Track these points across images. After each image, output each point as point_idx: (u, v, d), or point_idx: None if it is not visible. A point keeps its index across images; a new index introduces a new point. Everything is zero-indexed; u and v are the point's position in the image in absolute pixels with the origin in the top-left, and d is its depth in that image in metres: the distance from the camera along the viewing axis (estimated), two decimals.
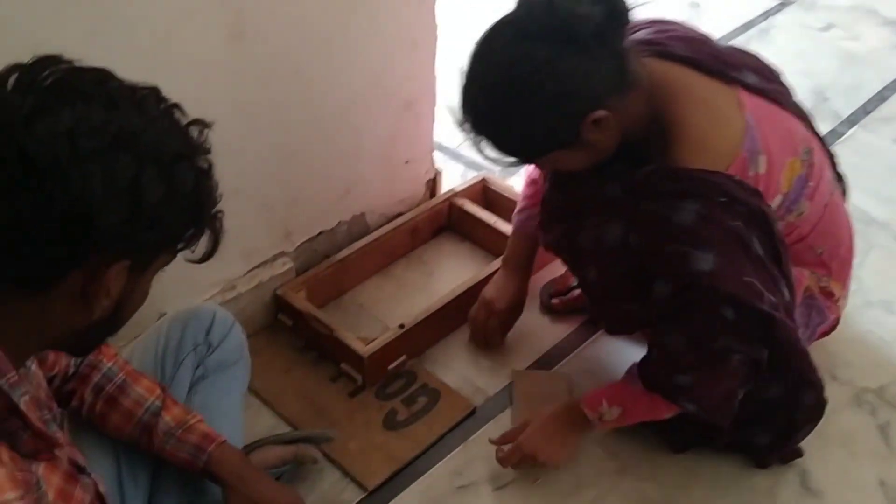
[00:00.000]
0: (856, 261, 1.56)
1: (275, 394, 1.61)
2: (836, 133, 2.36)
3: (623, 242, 1.26)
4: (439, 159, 2.04)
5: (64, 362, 1.15)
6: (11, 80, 0.76)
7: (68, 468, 0.95)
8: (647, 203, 1.22)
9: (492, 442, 1.48)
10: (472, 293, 1.72)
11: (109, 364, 1.19)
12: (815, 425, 1.45)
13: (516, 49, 1.14)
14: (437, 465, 1.51)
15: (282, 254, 1.72)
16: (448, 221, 1.98)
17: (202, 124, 0.86)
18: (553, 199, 1.45)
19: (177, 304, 1.41)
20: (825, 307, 1.49)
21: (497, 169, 2.06)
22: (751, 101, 1.28)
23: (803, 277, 1.44)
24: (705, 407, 1.31)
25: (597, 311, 1.47)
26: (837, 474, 1.51)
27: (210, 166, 0.85)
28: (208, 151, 0.85)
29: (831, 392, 1.43)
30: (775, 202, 1.29)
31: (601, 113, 1.16)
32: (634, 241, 1.24)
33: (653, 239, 1.22)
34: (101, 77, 0.80)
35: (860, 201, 1.89)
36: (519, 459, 1.44)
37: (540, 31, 1.12)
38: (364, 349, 1.58)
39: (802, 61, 2.63)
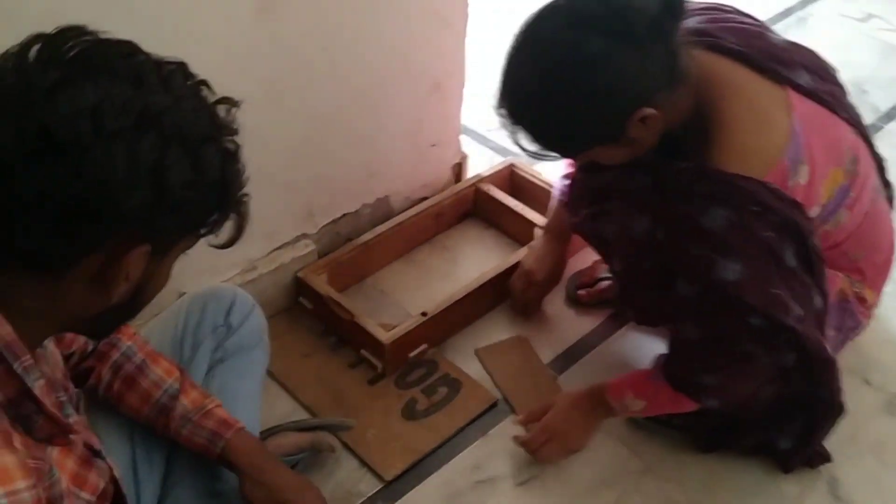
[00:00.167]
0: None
1: (293, 378, 1.58)
2: (875, 127, 2.29)
3: (650, 236, 1.22)
4: (466, 143, 2.00)
5: (82, 340, 1.13)
6: (34, 50, 0.73)
7: (83, 452, 0.93)
8: (676, 201, 1.18)
9: (517, 422, 1.46)
10: (496, 282, 1.69)
11: (129, 343, 1.17)
12: (833, 424, 1.41)
13: (567, 38, 1.08)
14: (456, 458, 1.48)
15: (304, 235, 1.70)
16: (473, 207, 1.95)
17: (230, 103, 0.82)
18: (580, 181, 1.41)
19: (196, 284, 1.39)
20: (857, 312, 1.45)
21: (521, 152, 2.02)
22: (800, 105, 1.23)
23: (837, 279, 1.40)
24: (730, 404, 1.30)
25: (625, 300, 1.43)
26: (867, 483, 1.46)
27: (237, 148, 0.82)
28: (236, 132, 0.82)
29: (863, 397, 1.39)
30: (812, 213, 1.24)
31: (649, 110, 1.11)
32: (661, 236, 1.21)
33: (679, 239, 1.18)
34: (128, 51, 0.76)
35: None
36: (541, 443, 1.41)
37: (593, 21, 1.06)
38: (385, 336, 1.56)
39: (841, 52, 2.51)
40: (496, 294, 1.72)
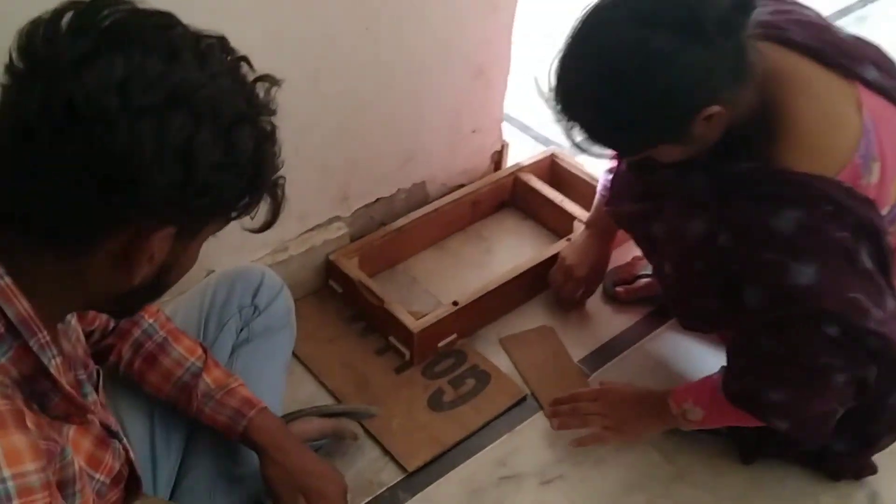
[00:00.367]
0: None
1: (318, 362, 1.57)
2: None
3: (707, 240, 1.17)
4: (507, 131, 1.95)
5: (104, 317, 1.11)
6: (66, 18, 0.69)
7: (100, 432, 0.92)
8: (740, 203, 1.13)
9: (557, 400, 1.45)
10: (531, 274, 1.66)
11: (150, 321, 1.15)
12: None
13: (632, 33, 1.02)
14: (481, 453, 1.45)
15: (337, 218, 1.68)
16: (511, 197, 1.91)
17: (271, 81, 0.78)
18: (626, 177, 1.37)
19: (225, 263, 1.38)
20: None
21: (569, 145, 1.97)
22: (870, 101, 1.17)
23: None
24: (798, 426, 1.23)
25: (672, 303, 1.38)
26: None
27: (273, 129, 0.78)
28: (273, 113, 0.78)
29: None
30: (882, 212, 1.18)
31: (715, 109, 1.05)
32: (725, 241, 1.15)
33: (747, 244, 1.12)
34: (164, 23, 0.73)
35: None
36: (596, 413, 1.40)
37: (660, 16, 1.00)
38: (414, 324, 1.53)
39: None
40: (530, 286, 1.68)
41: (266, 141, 0.77)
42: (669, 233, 1.26)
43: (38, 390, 0.79)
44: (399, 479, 1.40)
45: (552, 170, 1.93)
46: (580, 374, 1.58)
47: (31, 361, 0.77)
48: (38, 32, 0.69)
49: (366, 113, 1.57)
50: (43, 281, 0.75)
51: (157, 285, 0.82)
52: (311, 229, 1.64)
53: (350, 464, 1.40)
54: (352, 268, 1.63)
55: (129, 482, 1.00)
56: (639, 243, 1.42)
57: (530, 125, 2.15)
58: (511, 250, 1.81)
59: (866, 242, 1.11)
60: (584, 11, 1.07)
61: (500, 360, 1.59)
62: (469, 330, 1.62)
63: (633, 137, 1.12)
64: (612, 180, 1.47)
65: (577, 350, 1.62)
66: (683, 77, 1.02)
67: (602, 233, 1.61)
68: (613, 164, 1.52)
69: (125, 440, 0.98)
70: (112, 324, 1.12)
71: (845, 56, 1.17)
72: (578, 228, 1.70)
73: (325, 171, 1.58)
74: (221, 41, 0.76)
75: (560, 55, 1.09)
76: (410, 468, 1.41)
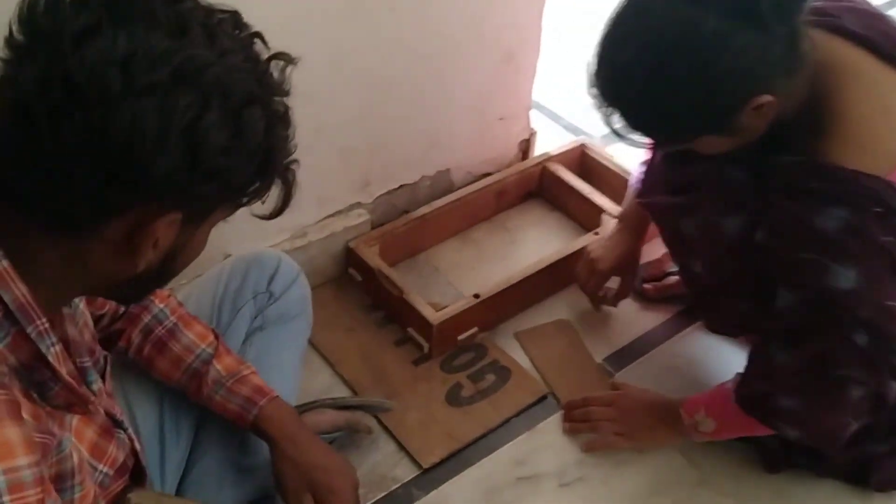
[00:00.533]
0: None
1: (335, 352, 1.53)
2: None
3: (743, 237, 1.12)
4: (536, 119, 1.90)
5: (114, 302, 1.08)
6: None
7: (105, 421, 0.90)
8: (782, 199, 1.07)
9: (570, 403, 1.43)
10: (556, 268, 1.61)
11: (161, 305, 1.12)
12: None
13: (682, 13, 0.97)
14: (499, 451, 1.41)
15: (358, 204, 1.65)
16: (538, 187, 1.86)
17: (286, 59, 0.74)
18: (660, 168, 1.32)
19: (243, 247, 1.35)
20: None
21: (599, 135, 1.92)
22: None
23: None
24: (809, 436, 1.19)
25: (699, 304, 1.33)
26: None
27: (286, 111, 0.74)
28: (287, 93, 0.74)
29: None
30: None
31: (766, 98, 1.00)
32: (762, 238, 1.10)
33: (786, 242, 1.07)
34: None
35: None
36: (607, 418, 1.38)
37: None
38: (434, 316, 1.50)
39: None
40: (555, 280, 1.64)
41: (278, 123, 0.73)
42: (703, 228, 1.21)
43: (37, 379, 0.77)
44: (414, 475, 1.37)
45: (582, 161, 1.88)
46: (598, 368, 1.54)
47: (30, 349, 0.75)
48: (39, 3, 0.65)
49: (389, 94, 1.53)
50: (43, 266, 0.72)
51: (163, 272, 0.79)
52: (332, 215, 1.61)
53: (364, 457, 1.37)
54: (372, 256, 1.59)
55: (135, 473, 0.97)
56: (666, 239, 1.37)
57: (561, 114, 2.10)
58: (536, 243, 1.76)
59: None
60: None
61: (521, 356, 1.55)
62: (490, 324, 1.58)
63: (677, 125, 1.07)
64: (646, 172, 1.42)
65: (602, 348, 1.58)
66: (736, 62, 0.96)
67: (632, 227, 1.55)
68: (648, 156, 1.46)
69: (130, 430, 0.95)
70: (122, 308, 1.09)
71: None
72: (607, 221, 1.65)
73: (346, 155, 1.55)
74: (234, 16, 0.72)
75: (603, 35, 1.04)
76: (426, 464, 1.37)
